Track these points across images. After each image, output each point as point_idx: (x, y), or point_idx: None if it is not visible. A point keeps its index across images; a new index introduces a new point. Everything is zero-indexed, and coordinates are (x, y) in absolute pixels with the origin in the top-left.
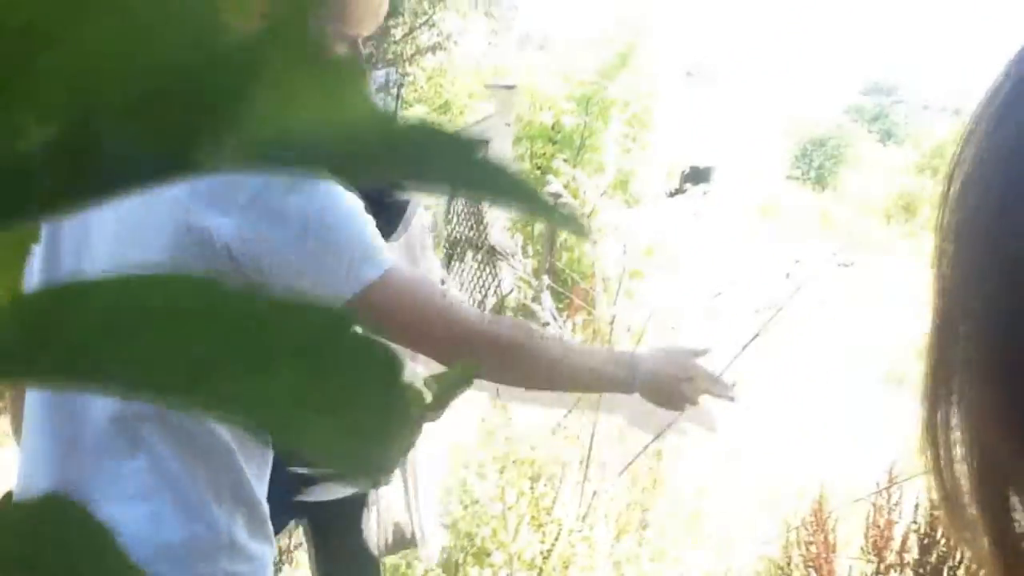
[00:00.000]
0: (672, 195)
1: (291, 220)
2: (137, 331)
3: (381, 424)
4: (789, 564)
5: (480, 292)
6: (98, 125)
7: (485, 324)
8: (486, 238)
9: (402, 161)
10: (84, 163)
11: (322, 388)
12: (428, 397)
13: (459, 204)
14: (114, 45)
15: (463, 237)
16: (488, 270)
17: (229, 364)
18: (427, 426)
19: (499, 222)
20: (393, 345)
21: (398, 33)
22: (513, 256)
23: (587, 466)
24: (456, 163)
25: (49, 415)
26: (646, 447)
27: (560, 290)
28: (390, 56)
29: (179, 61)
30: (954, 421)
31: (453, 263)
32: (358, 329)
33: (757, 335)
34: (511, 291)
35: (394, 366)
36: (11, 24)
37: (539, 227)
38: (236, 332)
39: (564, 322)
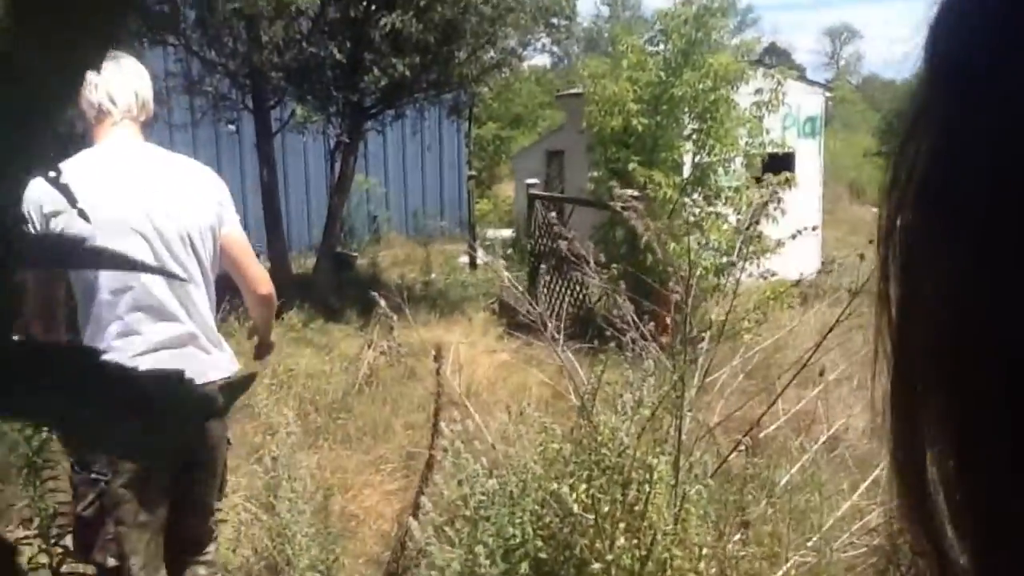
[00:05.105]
0: (754, 185)
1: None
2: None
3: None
4: (897, 553)
5: (557, 301)
6: None
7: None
8: (558, 249)
9: None
10: None
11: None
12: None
13: (539, 217)
14: None
15: (546, 249)
16: (562, 280)
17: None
18: None
19: (579, 231)
20: None
21: (462, 55)
22: (588, 264)
23: (677, 468)
24: None
25: None
26: (737, 445)
27: (635, 298)
28: (456, 79)
29: None
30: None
31: (539, 275)
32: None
33: (841, 318)
34: (599, 299)
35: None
36: None
37: (620, 233)
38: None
39: (645, 325)
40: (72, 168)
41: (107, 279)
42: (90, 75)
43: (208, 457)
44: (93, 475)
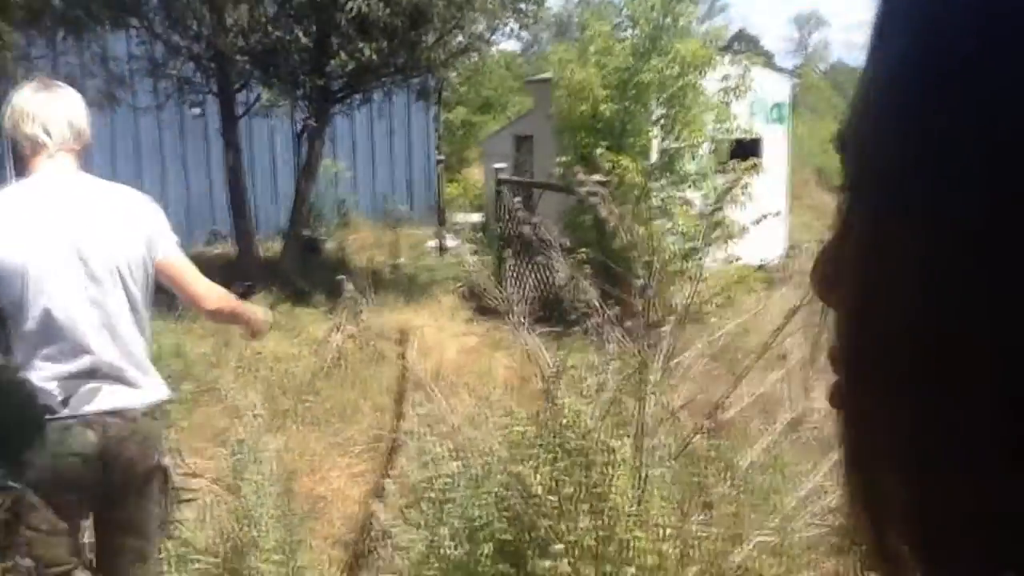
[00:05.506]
0: (721, 171)
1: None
2: None
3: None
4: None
5: (524, 285)
6: None
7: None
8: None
9: None
10: None
11: None
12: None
13: (507, 202)
14: None
15: (514, 234)
16: (529, 264)
17: None
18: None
19: (547, 217)
20: None
21: (429, 39)
22: (553, 250)
23: (640, 450)
24: None
25: None
26: (699, 427)
27: (601, 284)
28: (423, 63)
29: None
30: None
31: (506, 260)
32: None
33: (804, 302)
34: (566, 284)
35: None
36: None
37: (588, 219)
38: None
39: (611, 310)
40: (4, 199)
41: (32, 308)
42: (26, 107)
43: (128, 480)
44: (8, 483)
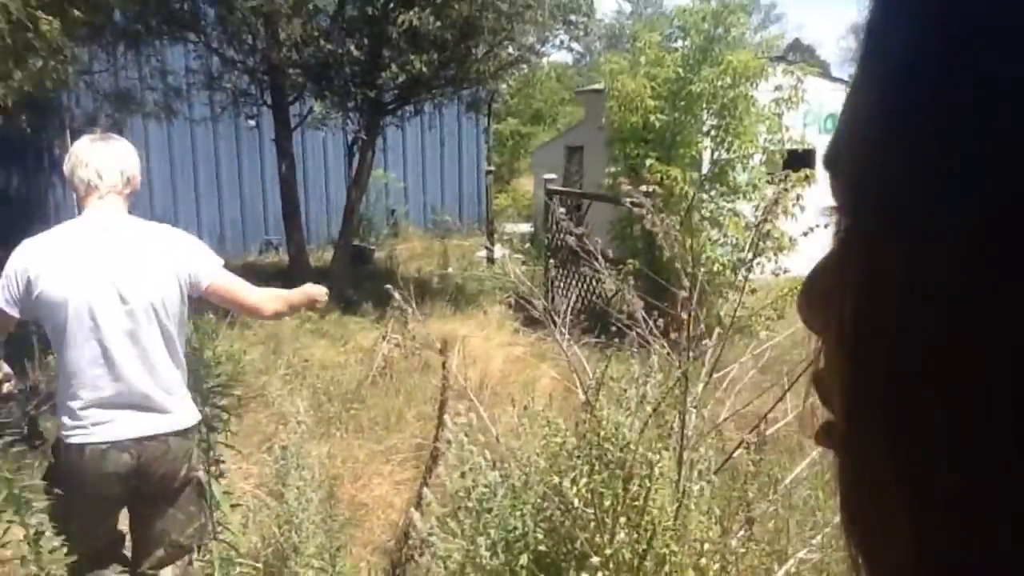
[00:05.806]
0: (772, 182)
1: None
2: None
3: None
4: None
5: (572, 295)
6: None
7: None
8: (566, 243)
9: None
10: None
11: None
12: None
13: (556, 212)
14: None
15: (562, 244)
16: (577, 275)
17: None
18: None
19: (597, 228)
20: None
21: (480, 52)
22: (595, 260)
23: (680, 463)
24: None
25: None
26: (741, 442)
27: (645, 296)
28: (473, 75)
29: None
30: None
31: (555, 270)
32: None
33: None
34: (613, 295)
35: None
36: None
37: (637, 229)
38: None
39: (655, 321)
40: (56, 236)
41: (72, 339)
42: (82, 155)
43: (161, 492)
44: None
